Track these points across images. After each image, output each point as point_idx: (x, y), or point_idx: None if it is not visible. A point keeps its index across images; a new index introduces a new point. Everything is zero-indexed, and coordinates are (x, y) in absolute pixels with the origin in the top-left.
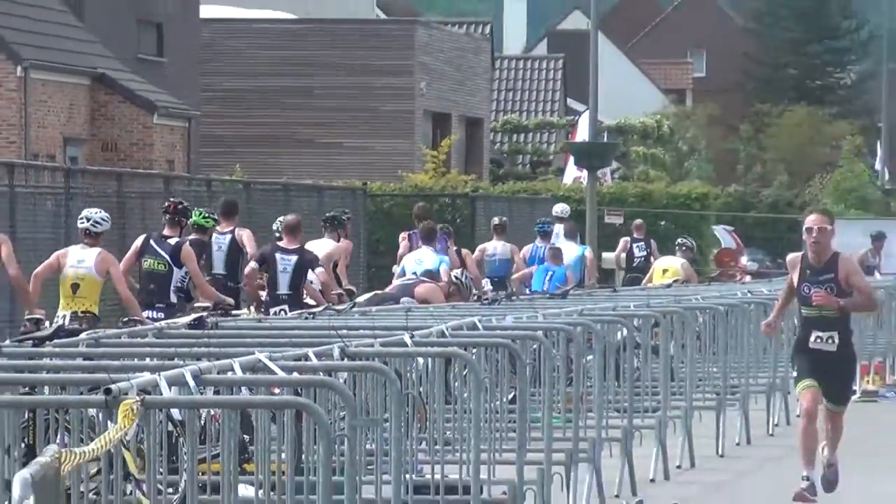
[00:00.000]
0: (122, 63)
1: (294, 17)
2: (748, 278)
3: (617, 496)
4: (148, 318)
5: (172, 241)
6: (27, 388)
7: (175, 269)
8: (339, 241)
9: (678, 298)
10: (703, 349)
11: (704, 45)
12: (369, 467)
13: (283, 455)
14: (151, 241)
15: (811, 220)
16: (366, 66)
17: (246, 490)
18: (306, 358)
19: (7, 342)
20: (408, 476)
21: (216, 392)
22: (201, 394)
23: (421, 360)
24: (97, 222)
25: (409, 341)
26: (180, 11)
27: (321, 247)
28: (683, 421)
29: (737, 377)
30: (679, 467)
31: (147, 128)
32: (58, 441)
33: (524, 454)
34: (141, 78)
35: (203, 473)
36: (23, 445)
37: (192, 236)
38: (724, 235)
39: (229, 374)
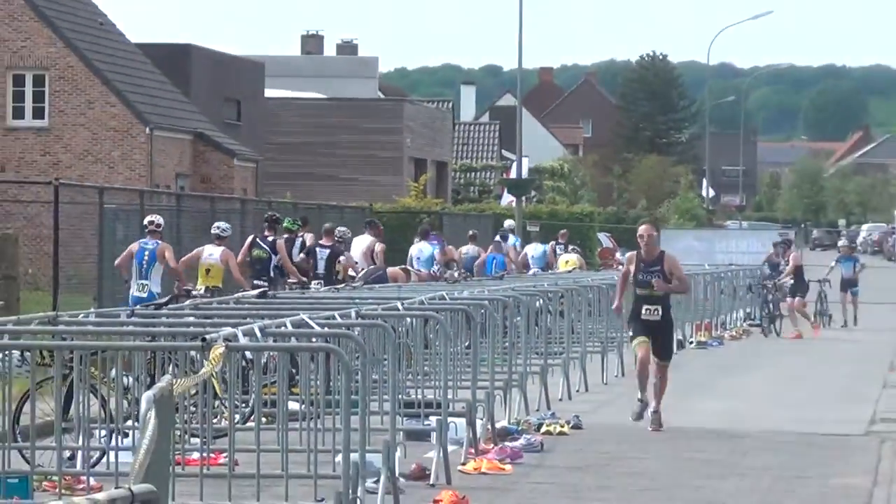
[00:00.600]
0: (214, 125)
1: (324, 96)
2: (621, 267)
3: (536, 410)
4: (256, 284)
5: (270, 238)
6: (151, 337)
7: (273, 256)
8: (376, 237)
9: (576, 280)
10: (591, 313)
11: (590, 116)
12: (374, 390)
13: (318, 382)
14: (258, 239)
15: (643, 228)
16: (370, 128)
17: (293, 405)
18: (333, 318)
19: (137, 307)
20: (399, 396)
21: (274, 340)
22: (264, 341)
23: (408, 319)
24: (223, 230)
25: (400, 307)
26: (251, 92)
27: (362, 241)
28: (580, 361)
29: (614, 332)
30: (578, 391)
31: (230, 167)
32: (170, 372)
33: (476, 382)
34: (226, 135)
35: (265, 394)
36: (147, 376)
37: (285, 235)
38: (604, 239)
39: (283, 328)
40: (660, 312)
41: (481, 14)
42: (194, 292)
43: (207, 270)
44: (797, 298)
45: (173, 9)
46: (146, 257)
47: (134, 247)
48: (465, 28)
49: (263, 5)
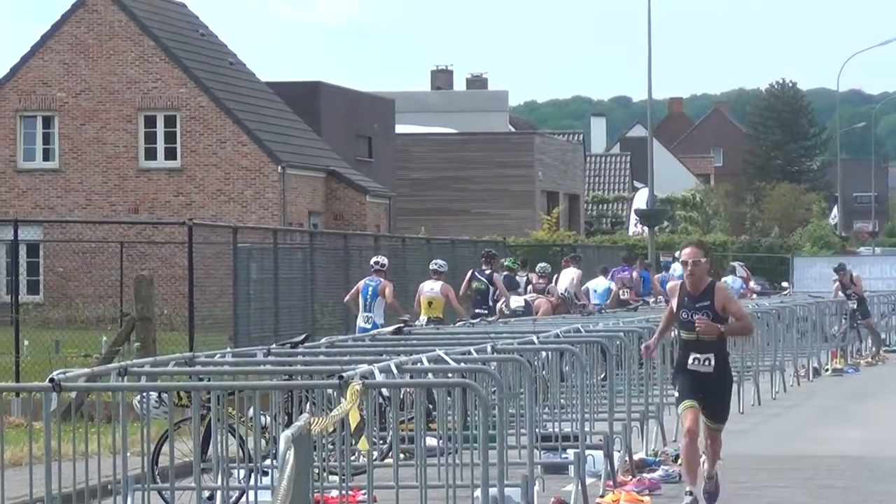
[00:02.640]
0: (346, 162)
1: (455, 131)
2: (755, 296)
3: (674, 441)
4: (476, 313)
5: (487, 272)
6: (287, 376)
7: (490, 287)
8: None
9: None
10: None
11: (721, 145)
12: (511, 425)
13: (455, 417)
14: (476, 273)
15: (686, 253)
16: (502, 162)
17: (431, 441)
18: (469, 353)
19: (274, 346)
20: (537, 430)
21: (411, 376)
22: (401, 378)
23: (544, 353)
24: (441, 266)
25: (536, 341)
26: (382, 129)
27: (568, 273)
28: None
29: (750, 362)
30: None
31: (362, 204)
32: (307, 411)
33: (613, 414)
34: (358, 172)
35: (402, 430)
36: (284, 414)
37: (504, 273)
38: (739, 268)
39: (419, 364)
40: (712, 363)
41: (610, 46)
42: (417, 323)
43: (430, 303)
44: None
45: (303, 47)
46: (370, 293)
47: (360, 284)
48: (595, 60)
49: (392, 42)
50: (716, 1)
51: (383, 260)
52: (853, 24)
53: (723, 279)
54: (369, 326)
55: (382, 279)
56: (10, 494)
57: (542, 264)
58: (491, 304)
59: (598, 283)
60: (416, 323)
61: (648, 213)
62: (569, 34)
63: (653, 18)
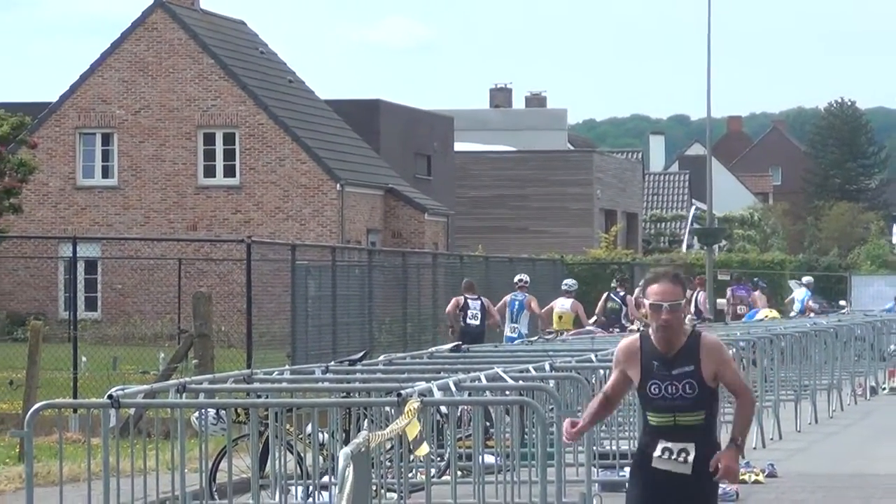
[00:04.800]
0: (404, 180)
1: (514, 149)
2: (814, 314)
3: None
4: (608, 332)
5: (621, 294)
6: (346, 393)
7: (623, 307)
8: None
9: (768, 328)
10: (784, 361)
11: (779, 163)
12: (569, 442)
13: (513, 435)
14: (611, 294)
15: (657, 290)
16: (561, 180)
17: (489, 458)
18: (527, 371)
19: (332, 363)
20: (594, 448)
21: (469, 394)
22: (459, 395)
23: (602, 371)
24: (570, 286)
25: (594, 359)
26: (441, 147)
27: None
28: (773, 409)
29: (807, 380)
30: (772, 439)
31: (420, 222)
32: (365, 428)
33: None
34: (416, 190)
35: (460, 447)
36: (342, 431)
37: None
38: (798, 286)
39: (477, 382)
40: (690, 458)
41: (669, 64)
42: (549, 331)
43: (560, 317)
44: None
45: (362, 65)
46: (517, 306)
47: (507, 298)
48: (653, 78)
49: (451, 59)
50: (775, 19)
51: (526, 277)
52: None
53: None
54: (515, 336)
55: (527, 294)
56: None
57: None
58: (624, 322)
59: (561, 304)
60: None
61: (706, 232)
62: (627, 52)
63: (712, 37)
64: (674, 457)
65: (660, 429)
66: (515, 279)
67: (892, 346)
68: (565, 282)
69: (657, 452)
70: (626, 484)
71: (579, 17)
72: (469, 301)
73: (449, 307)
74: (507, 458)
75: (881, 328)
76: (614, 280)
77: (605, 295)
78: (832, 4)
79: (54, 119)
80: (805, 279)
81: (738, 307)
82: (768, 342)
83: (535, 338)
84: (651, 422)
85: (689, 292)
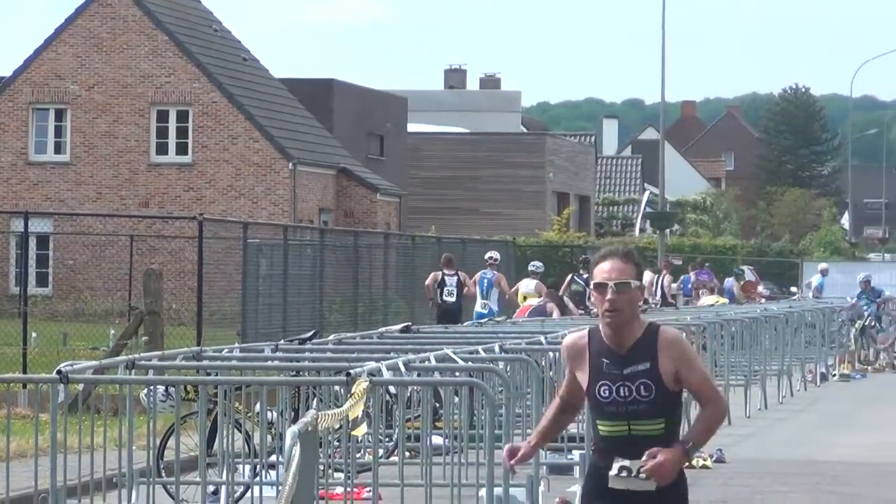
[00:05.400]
0: (357, 160)
1: (468, 131)
2: (764, 300)
3: None
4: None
5: (585, 276)
6: (295, 372)
7: (587, 290)
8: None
9: (718, 313)
10: (734, 346)
11: (732, 149)
12: (518, 424)
13: (462, 416)
14: (575, 276)
15: (605, 267)
16: (514, 162)
17: (437, 439)
18: (477, 352)
19: (282, 342)
20: None
21: (418, 375)
22: (408, 376)
23: (551, 353)
24: (538, 268)
25: (544, 341)
26: (394, 128)
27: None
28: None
29: (758, 366)
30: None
31: (372, 202)
32: (314, 407)
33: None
34: (369, 170)
35: (408, 428)
36: (291, 410)
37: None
38: (748, 272)
39: (427, 363)
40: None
41: (624, 48)
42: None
43: (525, 298)
44: None
45: (317, 44)
46: (486, 284)
47: (477, 275)
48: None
49: (406, 40)
50: (731, 5)
51: (496, 255)
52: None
53: (660, 286)
54: (486, 312)
55: (496, 272)
56: (16, 486)
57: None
58: (588, 304)
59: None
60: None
61: (658, 216)
62: (583, 36)
63: (667, 21)
64: (633, 475)
65: (613, 441)
66: (486, 256)
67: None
68: (532, 263)
69: (613, 471)
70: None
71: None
72: (446, 277)
73: (427, 281)
74: (455, 440)
75: (832, 315)
76: (579, 263)
77: (569, 277)
78: None
79: (7, 94)
80: (821, 266)
81: (701, 291)
82: (719, 327)
83: (503, 317)
84: (602, 432)
85: (651, 276)
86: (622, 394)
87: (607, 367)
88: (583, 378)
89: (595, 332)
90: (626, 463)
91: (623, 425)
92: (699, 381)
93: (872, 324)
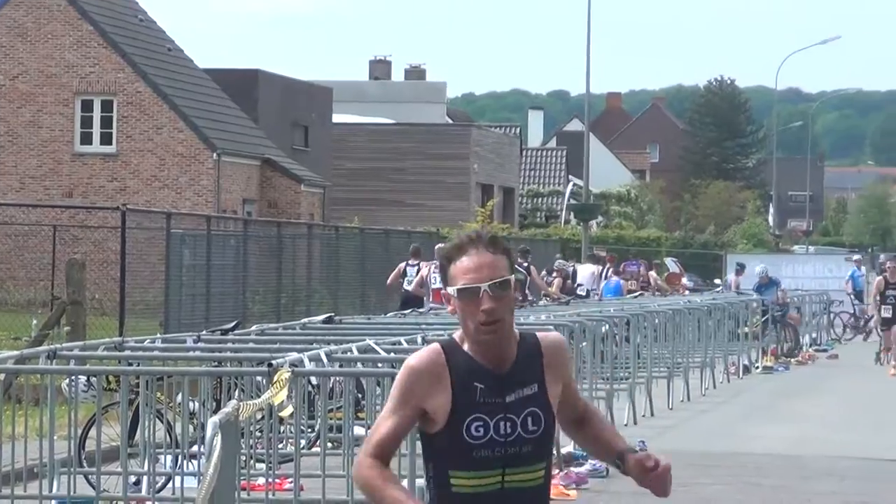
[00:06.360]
0: (281, 151)
1: (392, 122)
2: (687, 292)
3: None
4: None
5: (524, 265)
6: (217, 363)
7: (527, 279)
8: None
9: (642, 305)
10: (658, 338)
11: (657, 141)
12: None
13: (384, 407)
14: (515, 265)
15: (470, 264)
16: (438, 153)
17: (359, 430)
18: (399, 343)
19: (204, 332)
20: None
21: (340, 366)
22: (330, 367)
23: None
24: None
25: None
26: (319, 118)
27: (587, 268)
28: (646, 386)
29: (681, 357)
30: (643, 416)
31: (297, 193)
32: (236, 397)
33: None
34: (293, 161)
35: (331, 419)
36: (213, 400)
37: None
38: (671, 264)
39: (348, 353)
40: None
41: (549, 39)
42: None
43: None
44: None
45: (241, 34)
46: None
47: (402, 266)
48: (533, 53)
49: (331, 31)
50: None
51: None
52: (792, 23)
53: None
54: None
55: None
56: None
57: (561, 261)
58: (526, 291)
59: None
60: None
61: (583, 208)
62: (508, 27)
63: (592, 12)
64: None
65: (477, 500)
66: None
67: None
68: (414, 245)
69: None
70: None
71: None
72: (408, 268)
73: (391, 275)
74: None
75: (755, 308)
76: (518, 252)
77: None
78: None
79: None
80: (855, 257)
81: (630, 283)
82: (642, 319)
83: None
84: (460, 489)
85: (594, 268)
86: (503, 431)
87: (482, 395)
88: (440, 412)
89: (453, 347)
90: None
91: (495, 476)
92: (575, 392)
93: (781, 314)
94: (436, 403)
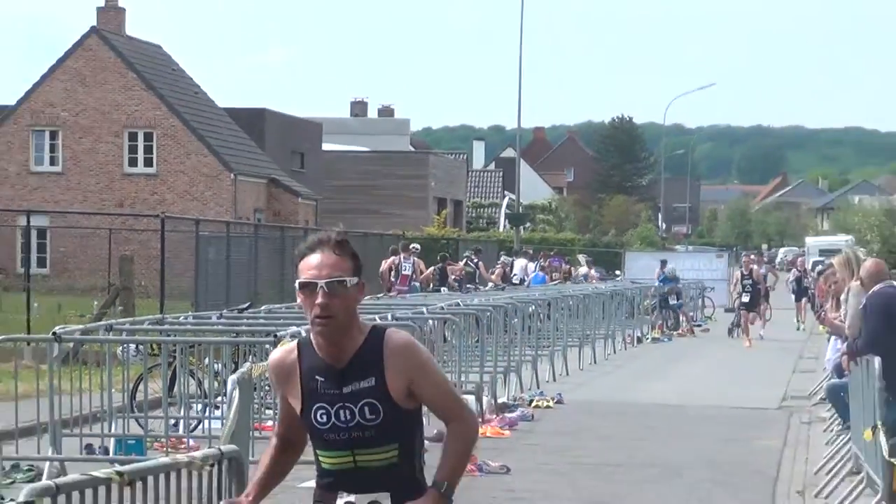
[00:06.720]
0: (283, 172)
1: (369, 149)
2: (595, 281)
3: (529, 389)
4: (467, 287)
5: (475, 261)
6: (235, 334)
7: (477, 271)
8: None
9: (560, 291)
10: (571, 316)
11: (572, 165)
12: None
13: None
14: (468, 261)
15: (312, 262)
16: (404, 174)
17: None
18: (375, 319)
19: (225, 311)
20: None
21: None
22: None
23: (430, 321)
24: (416, 249)
25: (425, 311)
26: (312, 147)
27: (520, 261)
28: (562, 352)
29: (589, 330)
30: (560, 375)
31: (295, 205)
32: (250, 360)
33: (483, 368)
34: (293, 180)
35: None
36: (232, 363)
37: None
38: (582, 259)
39: None
40: None
41: (490, 85)
42: None
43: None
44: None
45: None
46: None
47: (396, 260)
48: (478, 96)
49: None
50: (571, 48)
51: (417, 246)
52: (677, 71)
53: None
54: (406, 288)
55: (416, 258)
56: (23, 419)
57: (506, 258)
58: (476, 281)
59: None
60: None
61: (515, 216)
62: (459, 75)
63: (523, 64)
64: None
65: (337, 474)
66: (410, 246)
67: (647, 302)
68: (412, 245)
69: None
70: None
71: (421, 46)
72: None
73: (382, 267)
74: None
75: (646, 293)
76: (470, 251)
77: (463, 261)
78: (616, 35)
79: (12, 119)
80: (723, 254)
81: (553, 274)
82: (560, 301)
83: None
84: (324, 464)
85: (525, 262)
86: (343, 418)
87: (323, 387)
88: (295, 402)
89: (306, 344)
90: (352, 499)
91: (346, 455)
92: (437, 394)
93: (673, 301)
94: (291, 394)
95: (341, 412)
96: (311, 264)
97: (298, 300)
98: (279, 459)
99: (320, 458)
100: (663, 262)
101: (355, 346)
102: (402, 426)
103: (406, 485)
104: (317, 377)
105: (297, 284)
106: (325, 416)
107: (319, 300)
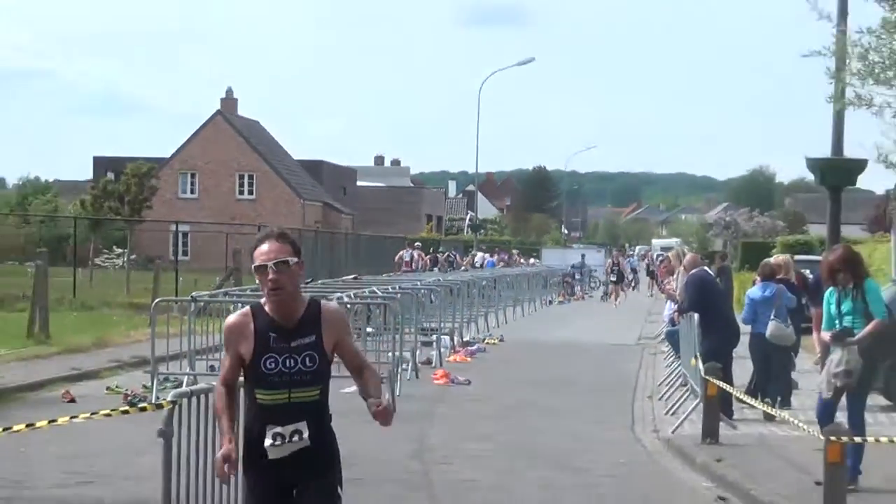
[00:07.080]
0: (334, 199)
1: (385, 185)
2: (522, 262)
3: (485, 332)
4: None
5: (455, 254)
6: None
7: (456, 260)
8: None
9: (504, 272)
10: (509, 286)
11: (510, 195)
12: (408, 325)
13: (387, 319)
14: (448, 254)
15: (263, 250)
16: (407, 201)
17: (370, 329)
18: (388, 289)
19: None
20: (420, 326)
21: (359, 300)
22: (355, 300)
23: (422, 290)
24: (417, 246)
25: (419, 284)
26: (351, 183)
27: (481, 256)
28: (503, 310)
29: (521, 295)
30: (504, 323)
31: (340, 219)
32: None
33: (454, 319)
34: (339, 203)
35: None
36: None
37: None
38: (515, 254)
39: (364, 293)
40: (305, 434)
41: (459, 143)
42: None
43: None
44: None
45: (314, 136)
46: (414, 256)
47: (405, 252)
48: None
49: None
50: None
51: (419, 244)
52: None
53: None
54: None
55: (418, 252)
56: (172, 349)
57: (454, 253)
58: (454, 266)
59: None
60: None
61: (475, 226)
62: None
63: (480, 132)
64: (287, 440)
65: (271, 409)
66: (414, 244)
67: (556, 279)
68: (416, 244)
69: (268, 441)
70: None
71: (418, 117)
72: (414, 252)
73: (396, 258)
74: (383, 330)
75: (552, 273)
76: (452, 248)
77: (446, 254)
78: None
79: (168, 165)
80: (601, 250)
81: (501, 263)
82: (502, 278)
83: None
84: (262, 401)
85: (482, 255)
86: (288, 365)
87: (275, 341)
88: (247, 351)
89: (259, 309)
90: (279, 429)
91: (284, 393)
92: (353, 350)
93: (577, 278)
94: (244, 349)
95: (288, 360)
96: (263, 251)
97: (256, 280)
98: (231, 404)
99: (258, 397)
100: (583, 256)
101: (300, 311)
102: (325, 373)
103: (321, 418)
104: (270, 333)
105: (253, 268)
106: (273, 364)
107: (271, 276)
